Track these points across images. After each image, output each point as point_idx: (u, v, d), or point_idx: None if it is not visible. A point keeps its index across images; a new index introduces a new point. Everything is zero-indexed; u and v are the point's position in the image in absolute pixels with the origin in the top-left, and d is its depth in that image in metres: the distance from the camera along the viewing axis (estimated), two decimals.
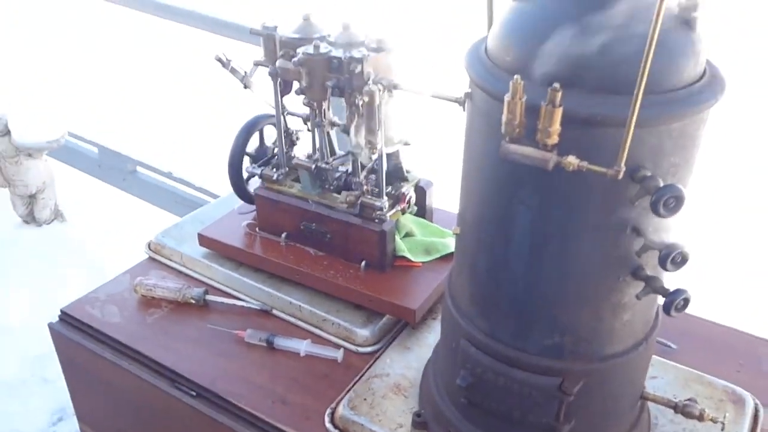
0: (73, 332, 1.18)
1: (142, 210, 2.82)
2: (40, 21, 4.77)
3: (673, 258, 0.63)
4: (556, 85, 0.57)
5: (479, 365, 0.80)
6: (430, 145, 1.19)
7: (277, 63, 1.11)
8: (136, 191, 2.81)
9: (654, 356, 1.00)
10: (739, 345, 1.12)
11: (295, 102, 1.20)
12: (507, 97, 0.60)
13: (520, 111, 0.60)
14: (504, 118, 0.61)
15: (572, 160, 0.60)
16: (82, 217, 2.90)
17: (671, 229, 0.69)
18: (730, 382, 1.00)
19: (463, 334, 0.82)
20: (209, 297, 1.20)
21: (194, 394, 1.04)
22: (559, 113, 0.58)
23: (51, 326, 1.20)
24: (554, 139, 0.60)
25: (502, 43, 0.68)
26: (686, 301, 0.67)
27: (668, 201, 0.60)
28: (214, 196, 2.50)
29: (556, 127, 0.59)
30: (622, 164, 0.60)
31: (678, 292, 0.67)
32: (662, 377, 1.02)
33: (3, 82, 3.01)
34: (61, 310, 1.21)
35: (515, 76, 0.59)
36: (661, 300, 0.70)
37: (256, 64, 1.17)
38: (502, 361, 0.78)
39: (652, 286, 0.70)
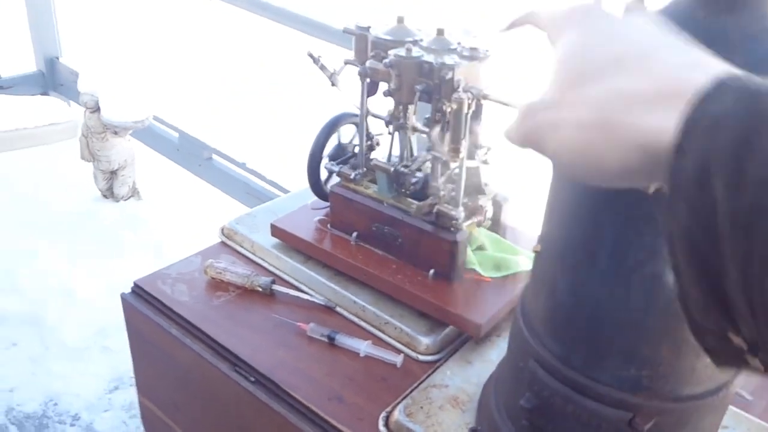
0: (143, 305, 1.21)
1: (213, 197, 2.89)
2: (136, 5, 4.97)
3: None
4: None
5: (546, 389, 0.78)
6: (509, 161, 1.17)
7: (368, 63, 1.11)
8: (209, 178, 2.89)
9: (729, 406, 0.95)
10: None
11: (377, 104, 1.20)
12: None
13: None
14: None
15: None
16: (157, 198, 3.00)
17: None
18: None
19: (532, 355, 0.80)
20: (276, 287, 1.21)
21: (253, 380, 1.06)
22: None
23: (123, 296, 1.24)
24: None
25: None
26: None
27: None
28: (284, 191, 2.54)
29: None
30: None
31: None
32: (734, 428, 0.97)
33: (97, 61, 3.14)
34: (135, 283, 1.24)
35: None
36: None
37: (346, 62, 1.18)
38: (572, 387, 0.75)
39: None
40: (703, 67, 0.38)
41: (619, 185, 0.43)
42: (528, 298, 0.85)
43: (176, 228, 2.78)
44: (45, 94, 3.44)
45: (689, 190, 0.35)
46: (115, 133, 2.68)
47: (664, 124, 0.36)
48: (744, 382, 1.05)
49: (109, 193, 2.88)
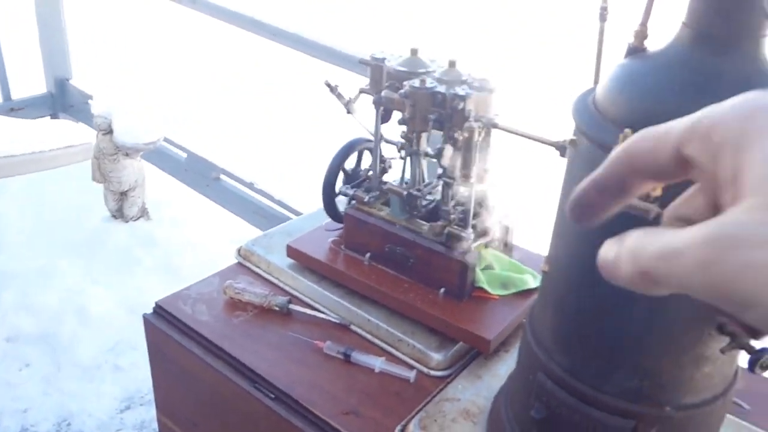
0: (165, 325, 1.26)
1: (221, 217, 2.95)
2: (150, 28, 5.07)
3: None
4: None
5: (555, 400, 0.83)
6: (515, 185, 1.23)
7: (383, 92, 1.18)
8: (217, 198, 2.95)
9: (727, 416, 1.00)
10: None
11: (389, 130, 1.26)
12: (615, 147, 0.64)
13: None
14: None
15: None
16: (165, 218, 3.05)
17: None
18: None
19: (541, 368, 0.85)
20: (292, 306, 1.26)
21: (273, 396, 1.10)
22: None
23: (145, 317, 1.29)
24: (658, 191, 0.63)
25: (611, 97, 0.72)
26: None
27: None
28: (294, 211, 2.60)
29: None
30: None
31: (764, 350, 0.68)
32: None
33: (110, 84, 3.21)
34: (156, 303, 1.29)
35: (626, 130, 0.63)
36: (744, 358, 0.72)
37: (362, 91, 1.24)
38: (579, 398, 0.81)
39: (738, 342, 0.72)
40: None
41: None
42: (536, 314, 0.90)
43: (186, 248, 2.83)
44: (54, 115, 3.51)
45: None
46: (127, 154, 2.75)
47: None
48: (742, 392, 1.10)
49: (119, 214, 2.93)
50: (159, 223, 3.02)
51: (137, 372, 2.30)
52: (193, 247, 2.83)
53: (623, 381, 0.78)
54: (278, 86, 4.40)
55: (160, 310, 1.29)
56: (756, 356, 0.69)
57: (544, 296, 0.88)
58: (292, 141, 3.73)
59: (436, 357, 1.14)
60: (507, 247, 1.29)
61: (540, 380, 0.85)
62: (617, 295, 0.75)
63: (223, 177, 2.92)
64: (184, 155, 3.05)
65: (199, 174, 2.97)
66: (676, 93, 0.66)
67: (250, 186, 2.81)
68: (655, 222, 0.65)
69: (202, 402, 1.27)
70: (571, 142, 0.76)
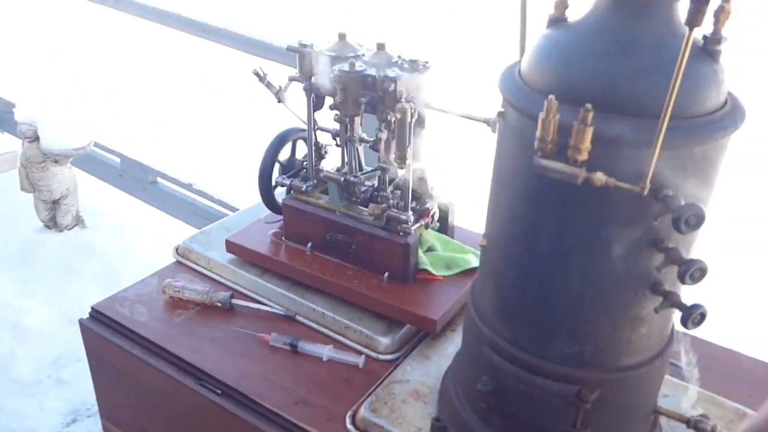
0: (103, 329, 1.22)
1: (160, 220, 2.87)
2: (72, 32, 4.89)
3: (692, 273, 0.67)
4: (589, 105, 0.62)
5: (501, 371, 0.84)
6: (452, 165, 1.24)
7: (312, 79, 1.16)
8: (155, 202, 2.87)
9: (666, 376, 1.03)
10: (753, 370, 1.15)
11: (324, 118, 1.25)
12: (541, 115, 0.65)
13: (553, 129, 0.65)
14: (537, 134, 0.66)
15: (600, 177, 0.65)
16: (101, 225, 2.95)
17: (690, 246, 0.73)
18: (741, 405, 1.03)
19: (485, 342, 0.86)
20: (235, 301, 1.24)
21: (219, 392, 1.08)
22: (589, 132, 0.63)
23: (81, 321, 1.24)
24: (584, 156, 0.64)
25: (536, 67, 0.73)
26: (703, 316, 0.71)
27: (689, 218, 0.64)
28: (233, 209, 2.55)
29: (587, 144, 0.64)
30: (648, 182, 0.64)
31: (695, 306, 0.71)
32: (673, 396, 1.05)
33: (34, 90, 3.09)
34: (92, 307, 1.25)
35: (550, 96, 0.64)
36: (677, 316, 0.74)
37: (291, 79, 1.23)
38: (523, 367, 0.82)
39: (671, 300, 0.74)
40: None
41: None
42: (478, 289, 0.91)
43: (126, 254, 2.74)
44: None
45: None
46: (56, 161, 2.64)
47: None
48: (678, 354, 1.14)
49: (52, 224, 2.82)
50: (95, 231, 2.92)
51: (83, 384, 2.21)
52: (132, 253, 2.75)
53: (564, 347, 0.79)
54: (210, 84, 4.31)
55: (97, 315, 1.25)
56: (688, 312, 0.71)
57: (484, 271, 0.88)
58: (228, 138, 3.66)
59: (384, 341, 1.14)
60: (448, 228, 1.29)
61: (485, 354, 0.86)
62: (552, 263, 0.76)
63: (159, 180, 2.85)
64: (118, 160, 2.96)
65: (135, 178, 2.89)
66: (597, 59, 0.67)
67: (189, 187, 2.75)
68: (583, 185, 0.66)
69: (148, 404, 1.23)
70: (499, 114, 0.76)
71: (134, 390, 1.24)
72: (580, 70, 0.68)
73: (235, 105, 4.00)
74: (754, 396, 1.09)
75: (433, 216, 1.22)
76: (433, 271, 1.21)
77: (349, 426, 1.00)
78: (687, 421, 0.88)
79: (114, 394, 1.31)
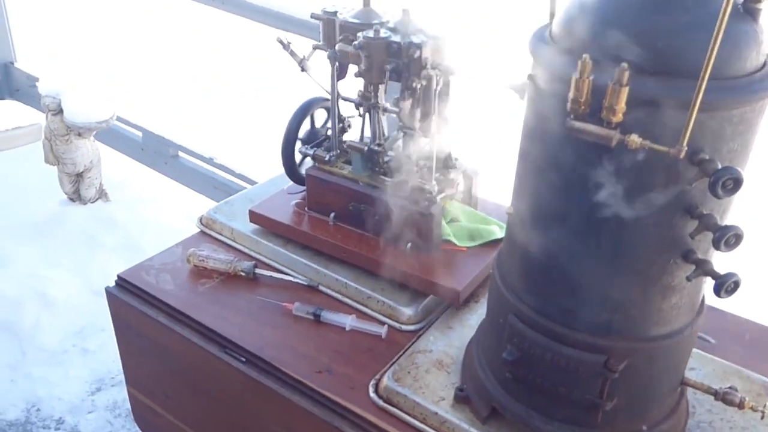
0: (129, 296, 1.23)
1: (182, 194, 2.89)
2: (95, 5, 4.90)
3: (727, 239, 0.66)
4: (624, 64, 0.60)
5: (526, 340, 0.83)
6: (478, 136, 1.22)
7: (337, 46, 1.15)
8: (176, 175, 2.89)
9: (693, 349, 1.02)
10: None
11: (347, 88, 1.24)
12: (575, 76, 0.63)
13: (587, 89, 0.63)
14: (570, 95, 0.64)
15: (635, 139, 0.63)
16: (124, 198, 2.98)
17: (726, 213, 0.71)
18: None
19: (511, 310, 0.85)
20: (258, 270, 1.24)
21: (244, 359, 1.09)
22: (625, 92, 0.61)
23: (108, 290, 1.25)
24: (619, 117, 0.62)
25: (568, 27, 0.71)
26: (736, 284, 0.69)
27: (726, 182, 0.63)
28: (252, 183, 2.55)
29: (622, 105, 0.62)
30: (684, 144, 0.62)
31: (729, 274, 0.69)
32: (701, 369, 1.03)
33: (59, 63, 3.10)
34: (118, 275, 1.26)
35: (584, 55, 0.62)
36: (710, 285, 0.72)
37: (315, 47, 1.21)
38: (550, 336, 0.81)
39: (703, 268, 0.72)
40: None
41: None
42: (504, 258, 0.90)
43: (148, 227, 2.77)
44: (0, 99, 3.38)
45: None
46: (79, 134, 2.66)
47: None
48: (707, 327, 1.12)
49: (76, 196, 2.85)
50: (118, 204, 2.94)
51: (107, 354, 2.25)
52: (155, 226, 2.77)
53: (593, 316, 0.78)
54: (231, 57, 4.30)
55: (123, 283, 1.26)
56: (722, 280, 0.69)
57: (511, 239, 0.87)
58: (250, 111, 3.66)
59: (407, 312, 1.13)
60: (472, 199, 1.28)
61: (511, 322, 0.85)
62: (582, 231, 0.75)
63: (181, 154, 2.86)
64: (140, 134, 2.97)
65: (157, 152, 2.90)
66: (633, 16, 0.65)
67: (210, 161, 2.76)
68: (616, 148, 0.65)
69: (172, 371, 1.24)
70: (529, 77, 0.74)
71: (159, 357, 1.25)
72: (614, 28, 0.66)
73: (255, 80, 3.99)
74: None
75: (457, 187, 1.21)
76: (457, 242, 1.20)
77: (372, 395, 1.00)
78: (715, 393, 0.86)
79: (140, 362, 1.32)
